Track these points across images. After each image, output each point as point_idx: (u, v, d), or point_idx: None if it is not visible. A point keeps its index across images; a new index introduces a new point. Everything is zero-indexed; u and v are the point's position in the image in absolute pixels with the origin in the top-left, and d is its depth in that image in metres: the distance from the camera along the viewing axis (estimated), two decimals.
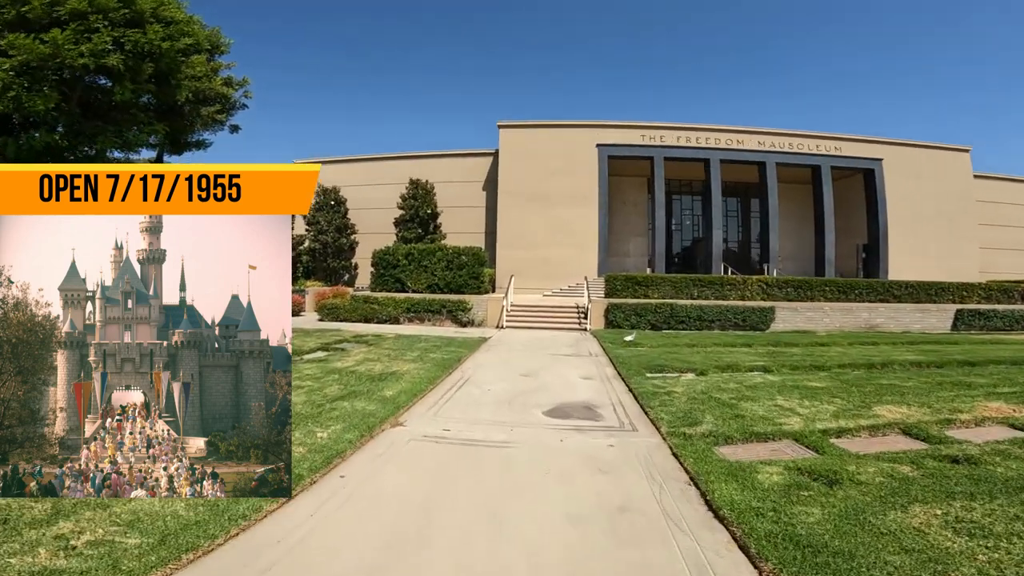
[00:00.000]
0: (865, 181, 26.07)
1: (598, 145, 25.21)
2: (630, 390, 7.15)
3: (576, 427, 5.62)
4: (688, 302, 15.76)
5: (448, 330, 14.95)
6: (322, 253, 28.34)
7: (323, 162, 31.52)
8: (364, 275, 27.26)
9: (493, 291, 23.36)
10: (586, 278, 19.04)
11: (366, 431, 5.04)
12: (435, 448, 4.87)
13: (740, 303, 15.86)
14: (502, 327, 15.56)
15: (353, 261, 29.47)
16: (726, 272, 25.87)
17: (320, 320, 17.14)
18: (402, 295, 16.78)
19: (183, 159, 17.96)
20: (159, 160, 17.24)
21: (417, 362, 9.08)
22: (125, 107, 13.62)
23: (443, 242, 22.59)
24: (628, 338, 12.05)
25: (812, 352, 10.50)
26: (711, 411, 5.88)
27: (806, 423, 5.47)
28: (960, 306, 16.47)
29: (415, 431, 5.36)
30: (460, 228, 27.97)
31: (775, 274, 25.03)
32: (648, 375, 7.98)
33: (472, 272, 16.89)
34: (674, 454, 4.60)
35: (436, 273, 17.01)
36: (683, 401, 6.33)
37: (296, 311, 19.59)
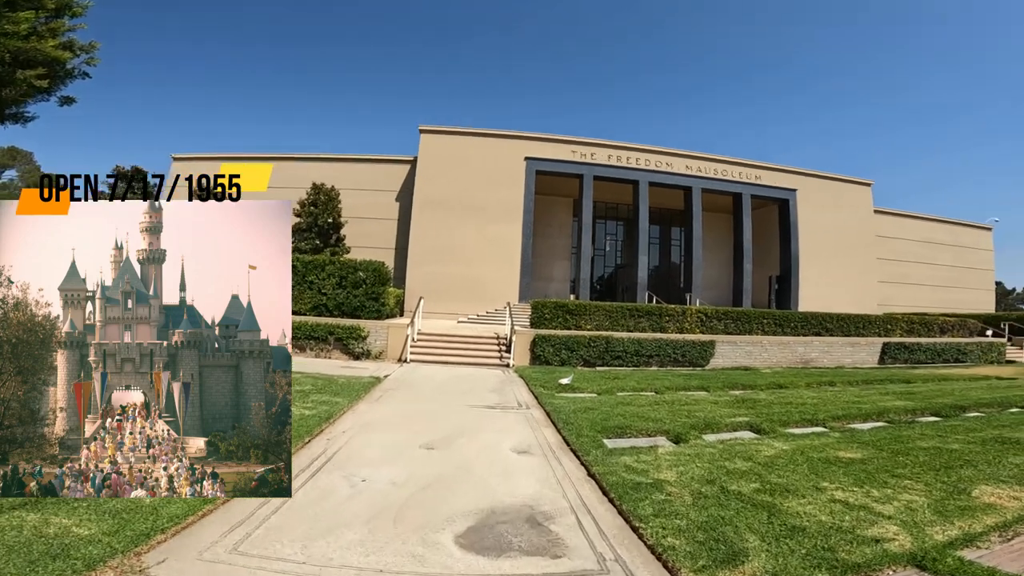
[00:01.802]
0: (780, 212, 26.53)
1: (527, 158, 23.24)
2: (592, 477, 4.51)
3: None
4: (625, 335, 13.75)
5: (334, 364, 11.53)
6: None
7: (200, 159, 26.64)
8: None
9: (402, 314, 20.06)
10: (509, 304, 16.57)
11: None
12: None
13: (679, 336, 14.16)
14: (406, 360, 12.42)
15: None
16: (650, 301, 24.80)
17: None
18: None
19: None
20: None
21: None
22: None
23: (346, 256, 19.04)
24: (564, 380, 9.54)
25: (783, 398, 8.65)
26: (745, 523, 3.44)
27: (910, 533, 3.23)
28: (887, 339, 16.18)
29: None
30: (368, 242, 24.48)
31: (698, 304, 24.38)
32: (609, 444, 5.43)
33: (371, 292, 13.62)
34: None
35: (325, 292, 13.51)
36: (687, 502, 3.81)
37: None
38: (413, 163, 24.41)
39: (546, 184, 24.77)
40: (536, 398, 8.15)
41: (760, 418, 6.84)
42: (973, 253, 31.06)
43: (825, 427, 6.61)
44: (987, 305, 30.51)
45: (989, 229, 31.81)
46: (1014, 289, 45.46)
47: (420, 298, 15.76)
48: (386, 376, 10.14)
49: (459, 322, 19.52)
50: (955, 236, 30.83)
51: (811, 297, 25.25)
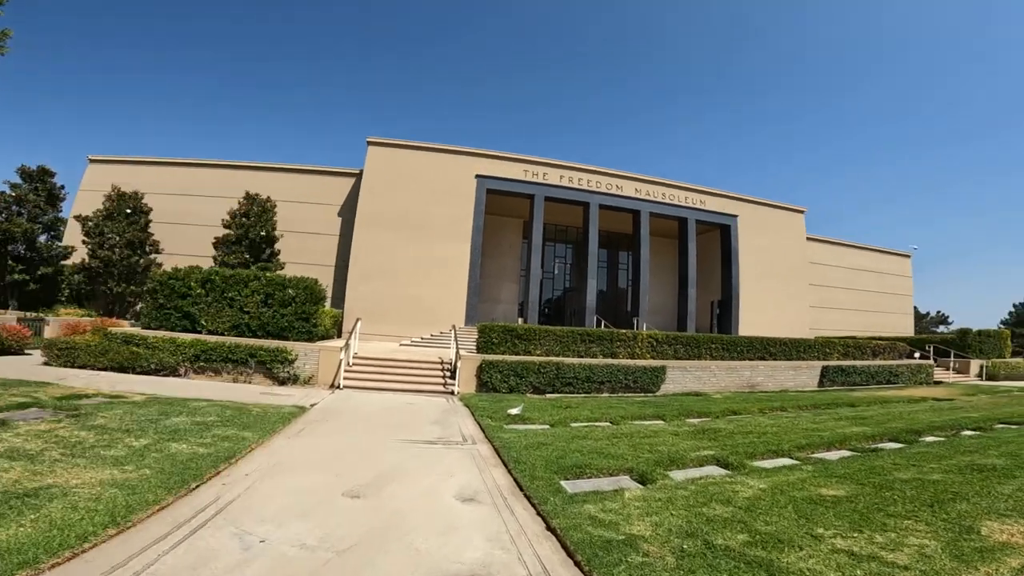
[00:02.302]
0: (722, 237, 27.41)
1: (478, 176, 22.70)
2: (552, 532, 3.70)
3: None
4: (576, 361, 13.17)
5: (253, 391, 10.10)
6: (103, 274, 20.77)
7: (118, 161, 24.18)
8: None
9: (340, 336, 18.60)
10: (454, 327, 15.68)
11: None
12: None
13: (630, 362, 13.77)
14: (339, 387, 11.14)
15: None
16: (599, 325, 24.64)
17: (45, 364, 11.06)
18: (189, 336, 11.43)
19: None
20: None
21: (131, 463, 4.62)
22: None
23: (279, 272, 17.48)
24: (514, 411, 8.71)
25: (742, 426, 8.24)
26: None
27: None
28: (825, 363, 16.58)
29: None
30: (306, 258, 22.93)
31: (646, 328, 24.46)
32: (569, 488, 4.66)
33: (301, 311, 12.28)
34: None
35: (248, 310, 12.03)
36: (670, 564, 3.08)
37: (19, 347, 12.86)
38: (358, 176, 23.27)
39: (495, 204, 24.33)
40: (483, 431, 7.26)
41: (725, 451, 6.33)
42: (894, 279, 33.46)
43: (792, 458, 6.18)
44: (906, 328, 32.83)
45: (908, 256, 34.45)
46: (928, 313, 49.53)
47: (357, 319, 14.52)
48: (313, 405, 8.90)
49: (401, 345, 18.31)
50: (877, 263, 33.12)
51: (750, 322, 26.04)
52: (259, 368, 11.33)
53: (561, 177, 23.89)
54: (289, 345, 11.36)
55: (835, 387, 16.21)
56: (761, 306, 26.71)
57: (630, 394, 13.26)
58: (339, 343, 12.64)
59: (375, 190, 22.04)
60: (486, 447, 6.36)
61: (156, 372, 11.04)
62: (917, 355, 19.96)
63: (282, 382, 11.33)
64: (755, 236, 27.28)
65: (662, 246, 29.06)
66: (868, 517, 3.92)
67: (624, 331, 14.99)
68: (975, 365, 20.29)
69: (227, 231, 21.28)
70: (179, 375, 11.18)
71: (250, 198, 21.65)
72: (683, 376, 14.36)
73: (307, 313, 12.22)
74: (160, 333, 11.51)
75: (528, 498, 4.38)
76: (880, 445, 6.99)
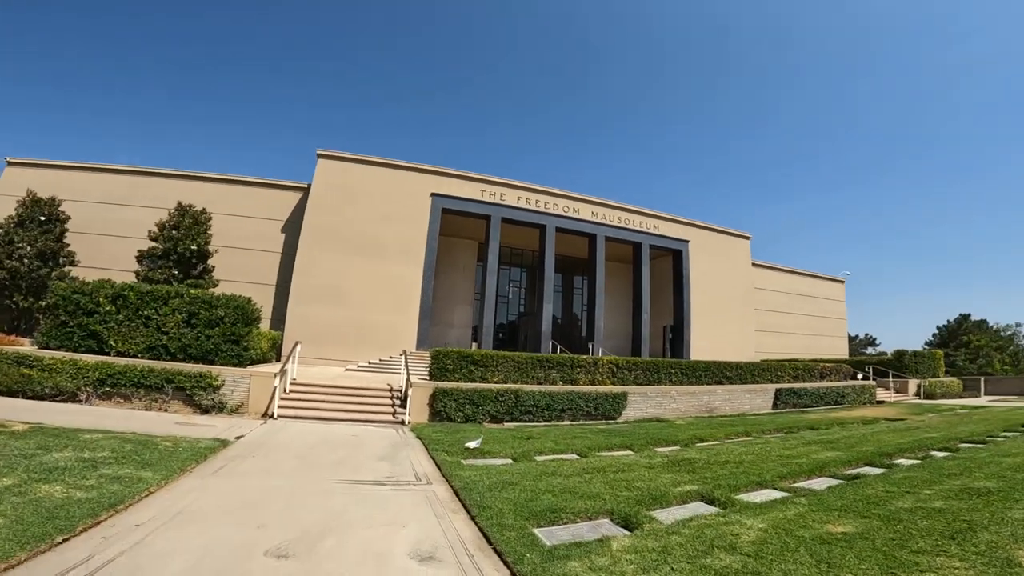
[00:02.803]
0: (674, 262, 27.89)
1: (433, 195, 22.00)
2: None
3: None
4: (536, 388, 12.50)
5: (167, 421, 8.69)
6: (10, 286, 18.33)
7: (39, 165, 21.74)
8: None
9: (279, 360, 17.02)
10: (405, 352, 14.69)
11: None
12: None
13: (591, 389, 13.25)
14: (272, 416, 9.85)
15: None
16: (555, 350, 24.20)
17: None
18: (94, 358, 9.82)
19: None
20: None
21: None
22: None
23: (213, 291, 15.79)
24: (472, 443, 7.84)
25: (715, 455, 7.75)
26: None
27: None
28: (779, 386, 16.80)
29: None
30: (244, 275, 21.19)
31: (601, 353, 24.23)
32: (545, 539, 3.91)
33: (231, 333, 10.93)
34: None
35: (167, 330, 10.57)
36: None
37: None
38: (306, 191, 21.99)
39: (450, 224, 23.67)
40: (439, 468, 6.36)
41: (708, 484, 5.79)
42: (829, 304, 35.24)
43: (777, 489, 5.72)
44: (842, 351, 34.52)
45: (841, 281, 36.50)
46: (856, 336, 52.65)
47: (296, 342, 13.22)
48: (238, 438, 7.68)
49: (347, 370, 16.97)
50: (815, 288, 34.82)
51: (700, 346, 26.41)
52: (178, 395, 9.87)
53: (518, 198, 23.61)
54: (215, 370, 9.98)
55: (788, 409, 16.42)
56: (711, 330, 27.22)
57: (591, 421, 12.71)
58: (274, 368, 11.34)
59: (323, 205, 20.84)
60: (444, 488, 5.48)
61: (51, 397, 9.40)
62: (860, 376, 20.81)
63: (205, 411, 9.90)
64: (705, 261, 27.99)
65: (615, 271, 29.27)
66: (894, 556, 3.42)
67: (584, 357, 14.52)
68: (912, 384, 21.37)
69: (153, 244, 19.35)
70: (79, 401, 9.53)
71: (182, 209, 19.85)
72: (644, 402, 14.01)
73: (237, 335, 10.89)
74: (58, 354, 9.83)
75: (499, 554, 3.59)
76: (860, 470, 6.69)
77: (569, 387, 13.20)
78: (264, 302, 21.31)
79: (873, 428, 11.44)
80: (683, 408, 14.67)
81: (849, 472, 6.56)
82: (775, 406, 16.47)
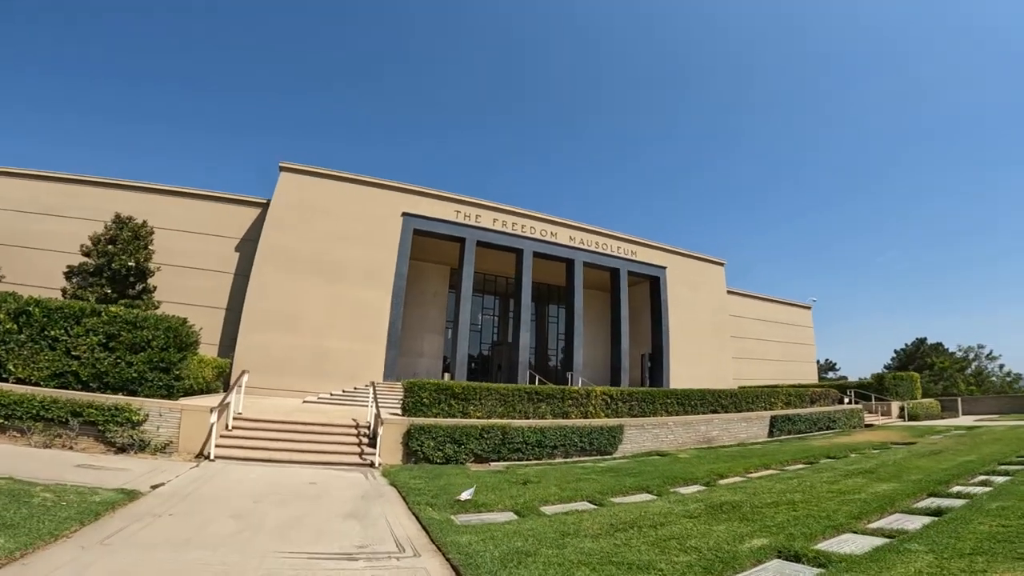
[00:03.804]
0: (651, 289, 27.13)
1: (404, 214, 20.59)
2: None
3: None
4: (525, 423, 11.00)
5: (66, 461, 6.72)
6: None
7: None
8: None
9: (227, 390, 14.88)
10: (373, 383, 13.01)
11: None
12: None
13: (584, 422, 11.88)
14: (208, 457, 7.97)
15: None
16: (533, 380, 22.77)
17: None
18: None
19: None
20: None
21: None
22: None
23: (157, 312, 13.66)
24: (464, 495, 6.25)
25: (755, 495, 6.41)
26: None
27: None
28: (774, 413, 16.06)
29: None
30: (190, 297, 19.01)
31: (581, 383, 22.94)
32: None
33: (159, 359, 9.01)
34: None
35: (78, 354, 8.59)
36: None
37: None
38: (265, 207, 20.17)
39: (419, 248, 22.22)
40: (426, 530, 4.77)
41: (776, 535, 4.51)
42: (799, 330, 35.32)
43: (860, 533, 4.69)
44: (812, 376, 34.41)
45: (808, 308, 36.79)
46: (818, 361, 53.36)
47: (243, 371, 11.34)
48: (156, 487, 5.87)
49: (305, 403, 14.99)
50: (785, 314, 34.87)
51: (679, 374, 25.52)
52: (88, 431, 7.89)
53: (495, 220, 22.48)
54: (136, 402, 8.07)
55: (784, 436, 15.73)
56: (690, 358, 26.44)
57: (586, 458, 11.30)
58: (215, 400, 9.44)
59: (284, 223, 19.08)
60: (437, 562, 3.92)
61: None
62: (846, 400, 20.41)
63: (122, 450, 7.93)
64: (682, 288, 27.46)
65: (591, 298, 28.31)
66: None
67: (576, 388, 13.16)
68: (895, 407, 21.08)
69: (85, 259, 17.08)
70: None
71: (120, 221, 17.70)
72: (640, 435, 12.75)
73: (168, 361, 9.00)
74: None
75: None
76: (934, 503, 5.70)
77: (561, 421, 11.79)
78: (213, 327, 19.11)
79: (894, 454, 10.55)
80: (681, 439, 13.49)
81: (921, 505, 5.50)
82: (771, 433, 15.62)
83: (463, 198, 21.89)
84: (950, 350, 44.27)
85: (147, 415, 8.08)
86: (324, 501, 5.88)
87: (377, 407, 10.21)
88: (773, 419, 15.81)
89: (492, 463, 9.98)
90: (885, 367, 47.78)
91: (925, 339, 46.82)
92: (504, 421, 10.89)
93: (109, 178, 20.19)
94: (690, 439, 13.73)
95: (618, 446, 12.10)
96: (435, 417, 10.65)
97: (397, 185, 20.73)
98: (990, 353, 42.23)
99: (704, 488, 7.39)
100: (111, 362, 8.60)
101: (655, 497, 6.78)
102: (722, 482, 7.89)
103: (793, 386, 20.51)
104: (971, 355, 42.51)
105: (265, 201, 20.42)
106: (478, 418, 11.08)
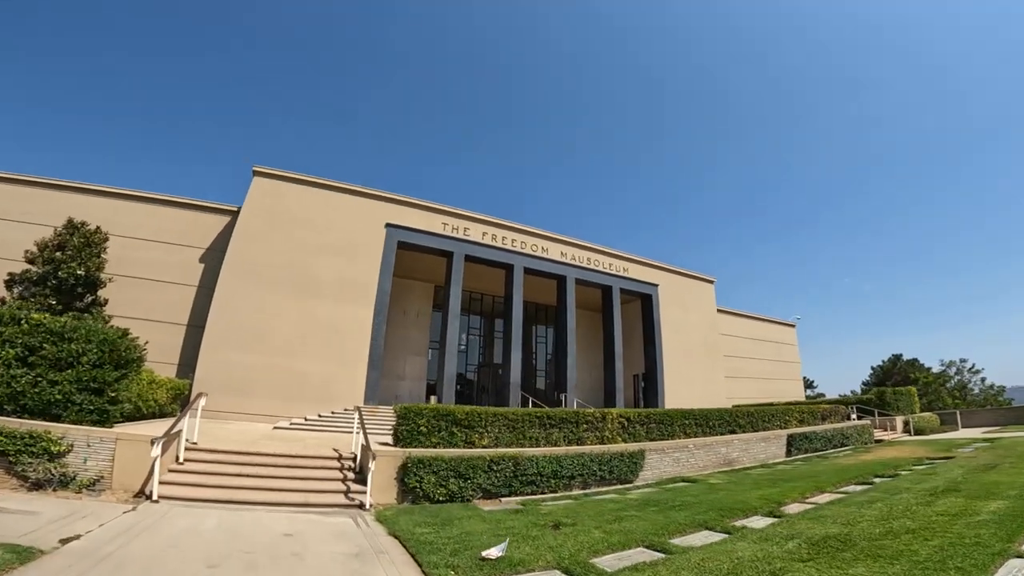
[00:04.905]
0: (643, 307, 26.07)
1: (388, 225, 19.12)
2: None
3: None
4: (539, 452, 9.50)
5: None
6: None
7: None
8: None
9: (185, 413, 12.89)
10: (359, 407, 11.39)
11: None
12: None
13: (602, 448, 10.44)
14: (149, 498, 6.22)
15: None
16: (524, 403, 21.24)
17: None
18: None
19: None
20: None
21: None
22: None
23: (111, 326, 11.71)
24: (495, 552, 4.66)
25: (849, 525, 5.13)
26: None
27: None
28: (790, 431, 15.21)
29: None
30: (146, 311, 17.03)
31: (575, 404, 21.52)
32: None
33: (90, 377, 7.22)
34: None
35: None
36: None
37: None
38: (235, 215, 18.44)
39: (406, 262, 20.72)
40: None
41: (942, 572, 3.21)
42: (785, 348, 34.86)
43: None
44: (798, 394, 33.83)
45: (793, 325, 36.45)
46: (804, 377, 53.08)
47: (200, 393, 9.57)
48: (67, 541, 4.19)
49: (276, 429, 13.13)
50: (771, 332, 34.39)
51: (674, 395, 24.38)
52: None
53: (484, 234, 21.19)
54: (58, 428, 6.31)
55: (803, 454, 14.86)
56: (683, 378, 25.38)
57: (605, 488, 9.90)
58: (163, 426, 7.66)
59: (255, 232, 17.36)
60: None
61: None
62: (854, 417, 19.77)
63: (37, 486, 6.14)
64: (674, 306, 26.57)
65: (581, 318, 27.11)
66: None
67: (590, 411, 11.77)
68: (900, 422, 20.43)
69: (29, 266, 15.04)
70: None
71: (72, 227, 15.76)
72: (661, 460, 11.42)
73: (101, 380, 7.24)
74: None
75: None
76: None
77: (577, 448, 10.33)
78: (172, 345, 17.08)
79: (950, 470, 9.53)
80: (702, 463, 12.24)
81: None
82: (789, 452, 14.66)
83: (451, 209, 20.60)
84: (927, 365, 44.50)
85: (71, 445, 6.31)
86: (307, 564, 4.27)
87: (365, 436, 8.57)
88: (790, 437, 14.77)
89: (503, 499, 8.44)
90: (863, 384, 47.69)
91: (901, 355, 46.98)
92: (515, 450, 9.36)
93: (62, 180, 18.19)
94: (711, 462, 12.48)
95: (639, 473, 10.72)
96: (435, 447, 9.05)
97: (380, 194, 19.30)
98: (972, 367, 42.60)
99: (776, 520, 6.06)
100: (29, 380, 6.80)
101: (725, 535, 5.41)
102: (787, 511, 6.58)
103: (805, 402, 19.65)
104: (952, 369, 42.80)
105: (235, 209, 18.71)
106: (484, 447, 9.53)
